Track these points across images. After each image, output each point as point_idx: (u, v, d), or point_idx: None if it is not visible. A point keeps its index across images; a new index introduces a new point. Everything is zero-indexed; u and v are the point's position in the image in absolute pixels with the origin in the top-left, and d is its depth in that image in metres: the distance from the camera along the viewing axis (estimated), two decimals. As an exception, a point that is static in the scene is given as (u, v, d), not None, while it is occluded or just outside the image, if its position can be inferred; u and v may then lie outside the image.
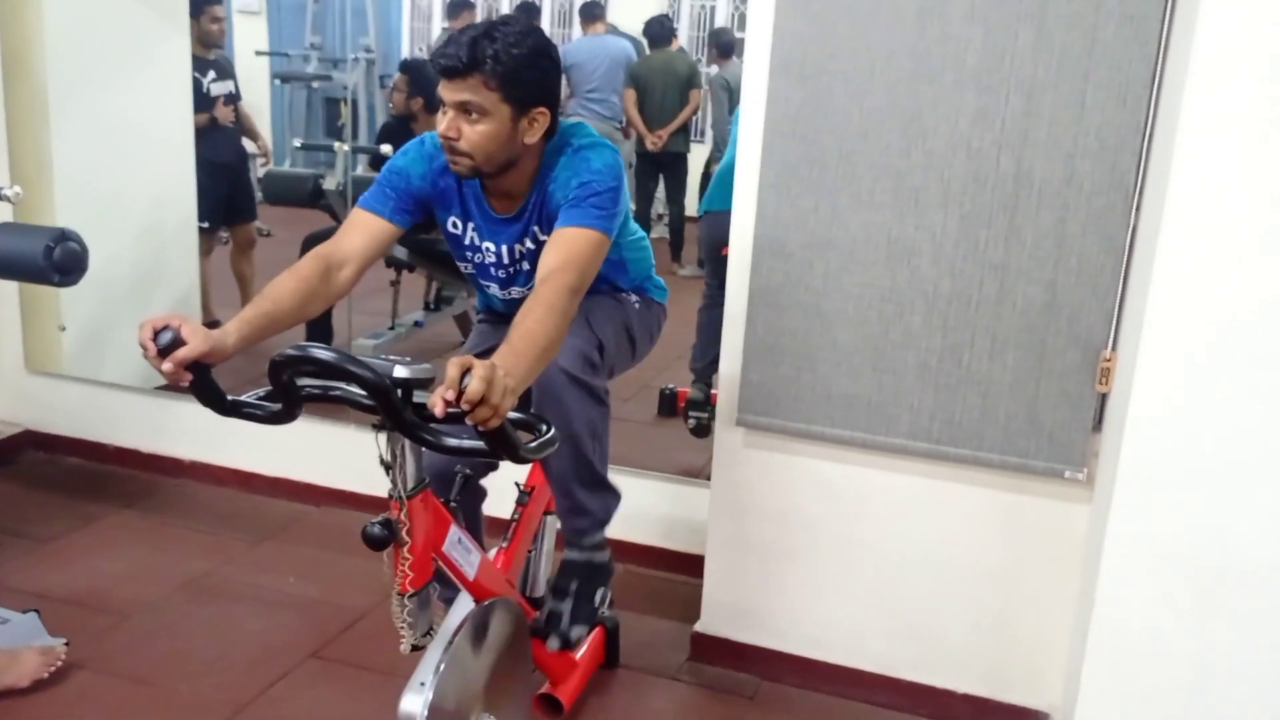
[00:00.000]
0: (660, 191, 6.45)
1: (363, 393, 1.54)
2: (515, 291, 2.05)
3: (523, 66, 1.76)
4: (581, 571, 2.09)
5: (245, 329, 1.65)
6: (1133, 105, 1.96)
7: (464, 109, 1.78)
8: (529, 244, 1.98)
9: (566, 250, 1.79)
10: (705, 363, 3.68)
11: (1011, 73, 2.02)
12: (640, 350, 2.18)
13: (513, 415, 1.52)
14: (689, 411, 3.78)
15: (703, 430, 3.68)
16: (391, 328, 4.58)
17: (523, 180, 1.92)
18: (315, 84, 6.93)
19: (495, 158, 1.83)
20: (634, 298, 2.18)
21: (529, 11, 6.36)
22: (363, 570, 2.78)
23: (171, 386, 3.41)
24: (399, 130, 4.28)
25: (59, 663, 2.29)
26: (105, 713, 2.21)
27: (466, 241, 2.03)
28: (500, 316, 2.13)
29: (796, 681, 2.43)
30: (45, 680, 2.27)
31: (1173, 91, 1.82)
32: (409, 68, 4.76)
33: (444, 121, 1.80)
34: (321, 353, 1.52)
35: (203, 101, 4.22)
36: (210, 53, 4.39)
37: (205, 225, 4.19)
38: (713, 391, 3.38)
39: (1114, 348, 2.05)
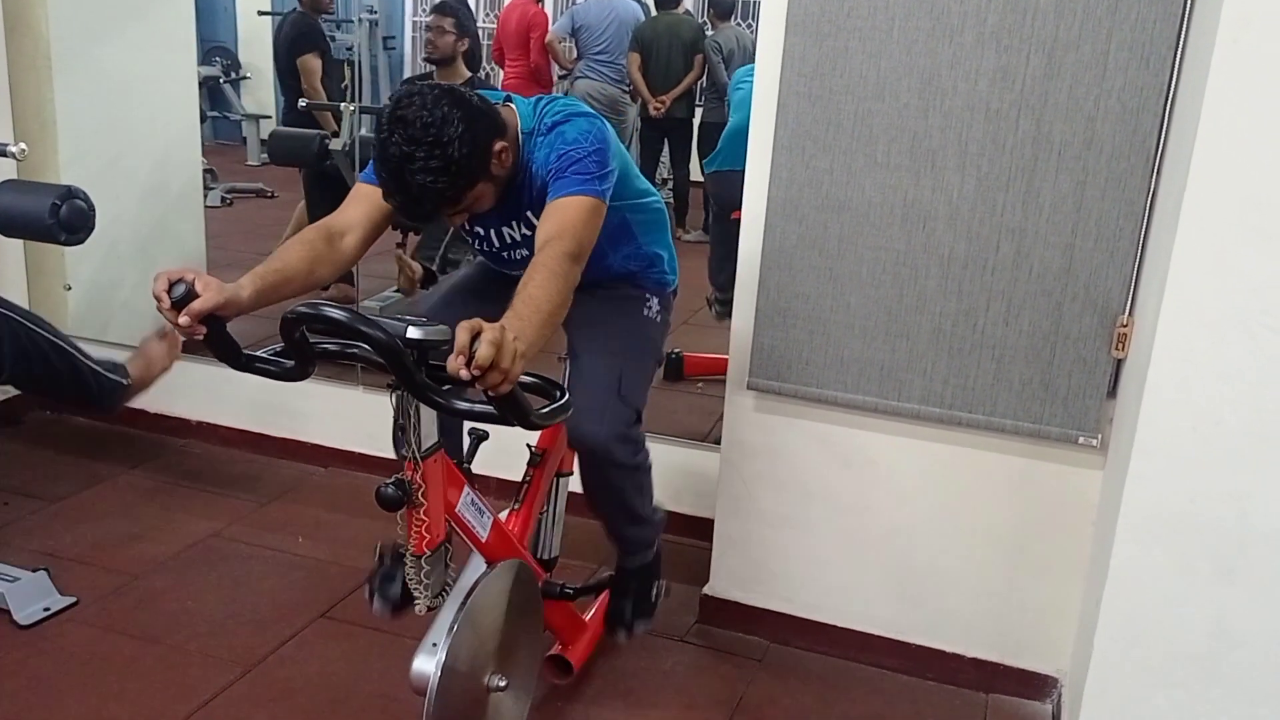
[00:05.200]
0: (665, 156, 6.39)
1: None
2: (517, 271, 2.04)
3: (451, 170, 1.69)
4: (636, 577, 2.23)
5: (259, 283, 1.64)
6: (1156, 66, 1.93)
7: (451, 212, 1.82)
8: (523, 229, 1.97)
9: (559, 219, 1.77)
10: (725, 276, 3.78)
11: (1033, 32, 1.98)
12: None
13: (524, 379, 1.50)
14: (715, 303, 4.07)
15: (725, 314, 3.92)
16: (397, 290, 4.55)
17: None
18: (318, 44, 6.85)
19: (505, 190, 1.89)
20: (655, 305, 2.17)
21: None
22: (371, 532, 2.77)
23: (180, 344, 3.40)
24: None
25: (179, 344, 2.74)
26: (115, 672, 2.21)
27: (466, 226, 2.02)
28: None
29: (805, 645, 2.44)
30: (54, 638, 2.28)
31: (1197, 52, 1.78)
32: (451, 7, 4.19)
33: (452, 219, 1.88)
34: (333, 311, 1.50)
35: None
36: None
37: None
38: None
39: (1130, 313, 2.03)
